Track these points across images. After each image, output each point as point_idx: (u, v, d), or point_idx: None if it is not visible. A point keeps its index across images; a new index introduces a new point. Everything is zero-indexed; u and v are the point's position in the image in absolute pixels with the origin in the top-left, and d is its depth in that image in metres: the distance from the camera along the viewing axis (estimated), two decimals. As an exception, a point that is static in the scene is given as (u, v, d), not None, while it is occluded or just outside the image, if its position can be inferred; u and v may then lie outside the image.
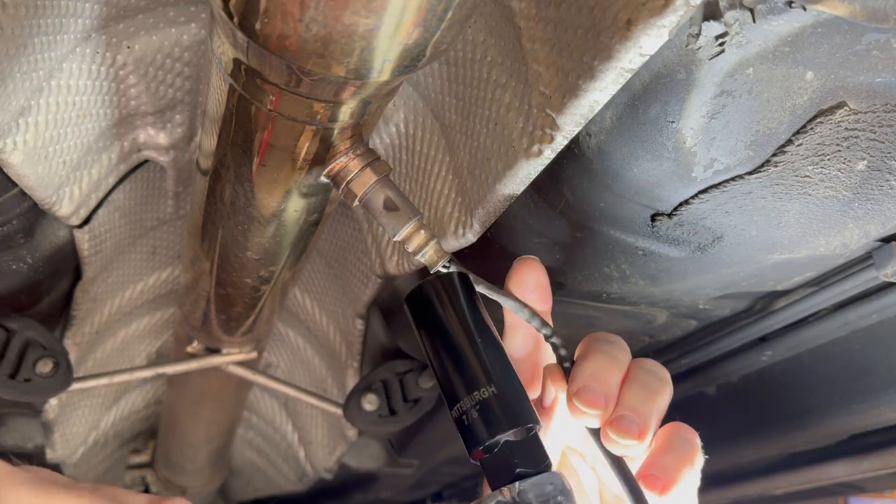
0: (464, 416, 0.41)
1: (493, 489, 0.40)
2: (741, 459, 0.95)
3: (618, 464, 0.43)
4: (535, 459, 0.41)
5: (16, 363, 0.82)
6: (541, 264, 0.47)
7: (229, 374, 1.03)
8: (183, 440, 1.33)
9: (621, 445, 0.42)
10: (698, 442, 0.44)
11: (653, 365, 0.46)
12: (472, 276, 0.46)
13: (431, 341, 0.44)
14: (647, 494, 0.41)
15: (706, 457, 0.44)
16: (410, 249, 0.47)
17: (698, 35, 0.38)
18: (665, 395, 0.44)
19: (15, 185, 0.61)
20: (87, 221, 0.75)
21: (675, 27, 0.35)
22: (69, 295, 0.91)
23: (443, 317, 0.44)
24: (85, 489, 0.38)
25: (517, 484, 0.40)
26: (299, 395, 1.08)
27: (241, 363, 1.01)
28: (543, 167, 0.47)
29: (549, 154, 0.45)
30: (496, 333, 0.45)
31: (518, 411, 0.41)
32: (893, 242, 0.54)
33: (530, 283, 0.46)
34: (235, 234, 0.60)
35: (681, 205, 0.49)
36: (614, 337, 0.46)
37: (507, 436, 0.41)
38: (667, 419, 0.47)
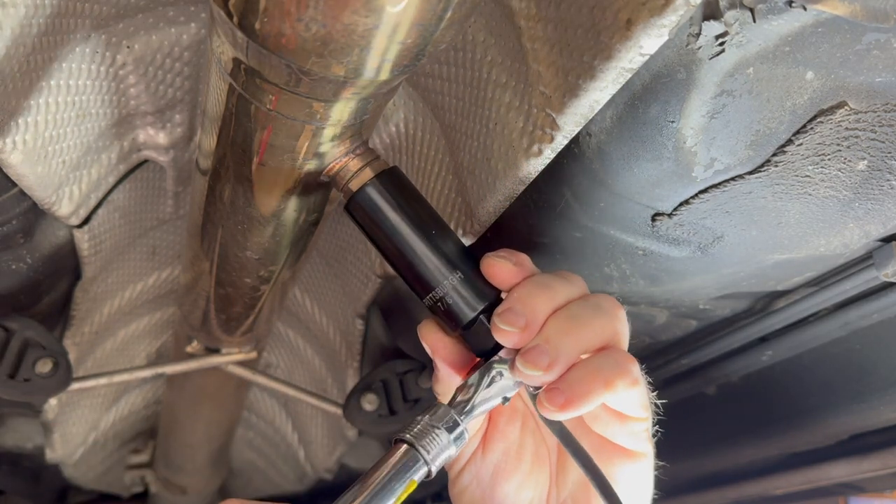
0: (439, 303, 0.45)
1: (479, 354, 0.45)
2: (741, 459, 0.94)
3: (562, 434, 0.43)
4: None
5: (15, 363, 0.82)
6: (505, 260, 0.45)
7: (229, 374, 1.03)
8: (182, 440, 1.33)
9: (526, 376, 0.41)
10: (631, 367, 0.41)
11: (598, 298, 0.43)
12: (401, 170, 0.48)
13: (391, 239, 0.46)
14: (551, 413, 0.40)
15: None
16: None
17: (698, 35, 0.38)
18: (596, 327, 0.42)
19: (14, 184, 0.61)
20: (86, 221, 0.75)
21: (675, 27, 0.35)
22: (69, 295, 0.91)
23: (396, 213, 0.45)
24: None
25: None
26: (299, 395, 1.08)
27: (240, 363, 1.01)
28: (543, 167, 0.47)
29: (549, 154, 0.45)
30: (441, 218, 0.47)
31: (485, 287, 0.45)
32: (893, 242, 0.54)
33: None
34: (235, 233, 0.60)
35: (681, 204, 0.49)
36: (567, 273, 0.45)
37: (481, 309, 0.45)
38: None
